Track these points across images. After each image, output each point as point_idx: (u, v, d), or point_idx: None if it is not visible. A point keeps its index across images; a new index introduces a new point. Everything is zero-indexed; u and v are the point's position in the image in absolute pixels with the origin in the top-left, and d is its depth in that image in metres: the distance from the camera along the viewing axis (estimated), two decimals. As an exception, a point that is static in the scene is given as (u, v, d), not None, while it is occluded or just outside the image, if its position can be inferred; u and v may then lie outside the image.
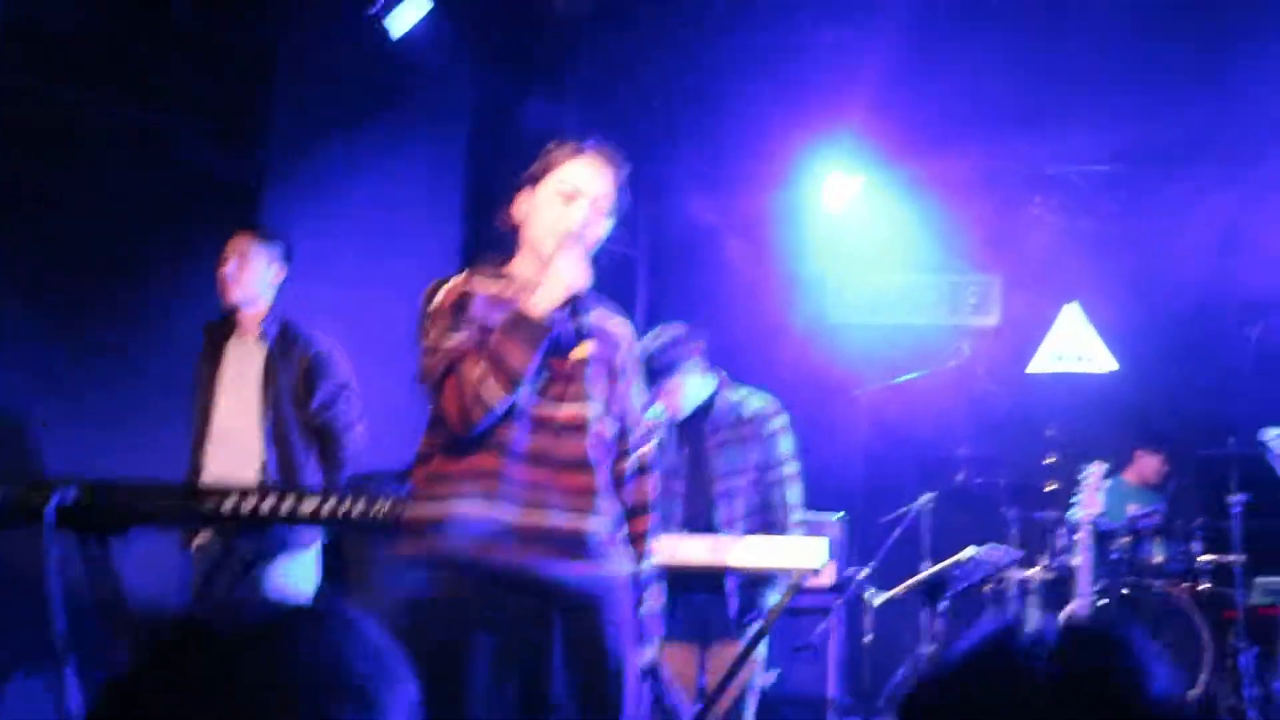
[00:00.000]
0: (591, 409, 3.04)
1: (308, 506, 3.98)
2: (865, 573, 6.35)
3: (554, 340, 2.98)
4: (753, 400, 5.04)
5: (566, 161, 3.09)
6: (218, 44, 6.43)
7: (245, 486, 4.25)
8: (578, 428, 3.02)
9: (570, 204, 3.05)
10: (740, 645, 4.72)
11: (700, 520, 4.76)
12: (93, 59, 6.01)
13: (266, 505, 3.99)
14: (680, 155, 8.31)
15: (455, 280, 3.08)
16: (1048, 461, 7.44)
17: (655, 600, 3.16)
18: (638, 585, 3.11)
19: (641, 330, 8.34)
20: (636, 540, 3.13)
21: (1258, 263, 7.59)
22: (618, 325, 3.19)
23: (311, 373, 5.04)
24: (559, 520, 2.95)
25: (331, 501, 3.99)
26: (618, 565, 3.04)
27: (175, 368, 5.46)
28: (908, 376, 7.36)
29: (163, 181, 6.28)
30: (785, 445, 4.98)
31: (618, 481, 3.12)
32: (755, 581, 4.83)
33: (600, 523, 3.01)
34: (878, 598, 6.27)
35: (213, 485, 4.60)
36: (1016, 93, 7.71)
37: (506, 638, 2.91)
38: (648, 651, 3.15)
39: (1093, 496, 6.41)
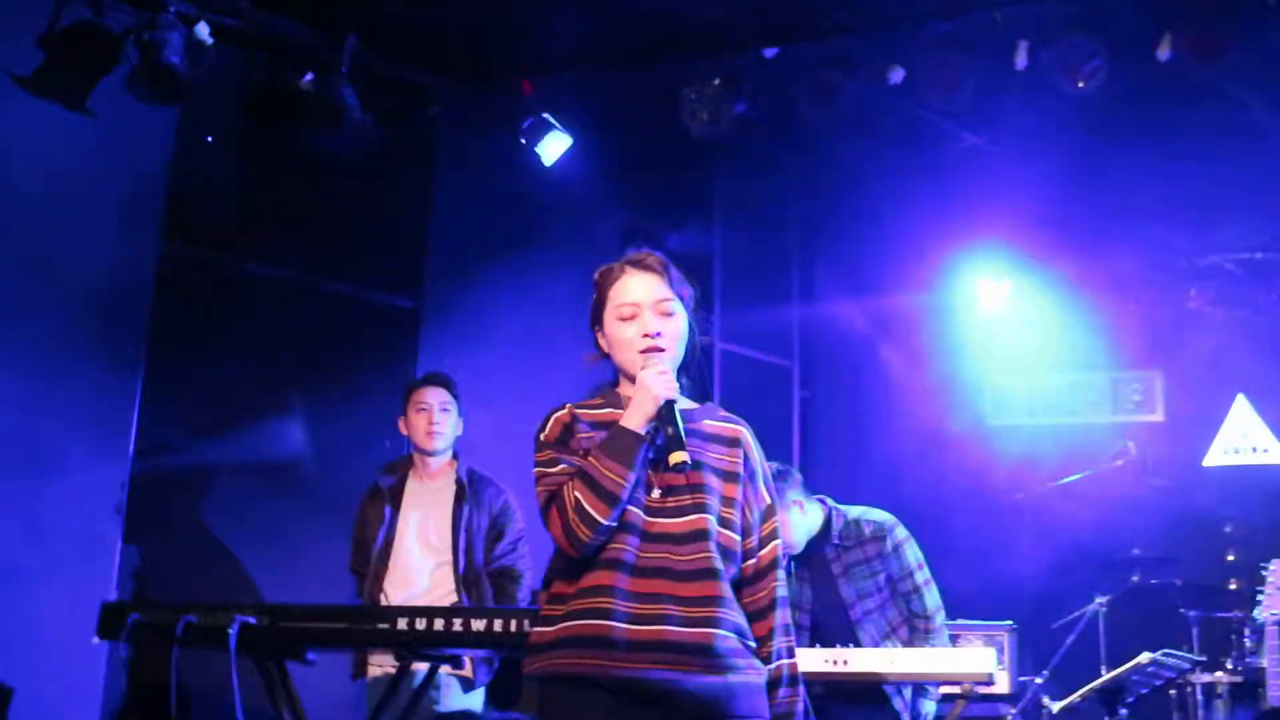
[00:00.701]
0: (708, 518, 3.00)
1: (480, 625, 4.04)
2: (1041, 680, 6.17)
3: (652, 451, 3.00)
4: (870, 517, 5.00)
5: (613, 285, 3.13)
6: (375, 183, 6.72)
7: (419, 607, 4.34)
8: (695, 537, 2.98)
9: (633, 321, 3.08)
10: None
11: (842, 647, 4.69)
12: (254, 219, 6.36)
13: (440, 624, 4.06)
14: (829, 262, 8.36)
15: (560, 411, 3.11)
16: (1228, 559, 7.19)
17: (791, 703, 3.05)
18: (771, 688, 3.02)
19: (796, 440, 8.32)
20: (764, 643, 3.05)
21: None
22: (732, 429, 3.16)
23: (500, 519, 5.27)
24: (678, 631, 2.91)
25: (502, 620, 4.04)
26: (746, 672, 2.98)
27: (345, 495, 5.64)
28: (1073, 477, 7.22)
29: (327, 318, 6.55)
30: (912, 554, 4.95)
31: (741, 584, 3.06)
32: (913, 692, 4.76)
33: (725, 630, 2.96)
34: (1055, 704, 6.08)
35: (388, 606, 4.71)
36: (1165, 185, 7.61)
37: None
38: None
39: (1277, 595, 6.16)
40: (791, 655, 3.09)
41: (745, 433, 3.17)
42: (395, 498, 5.25)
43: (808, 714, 3.07)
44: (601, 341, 3.16)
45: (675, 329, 3.10)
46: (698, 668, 2.91)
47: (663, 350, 3.05)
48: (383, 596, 5.09)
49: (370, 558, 5.16)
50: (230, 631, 3.97)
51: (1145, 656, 5.76)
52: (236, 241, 6.37)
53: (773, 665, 3.05)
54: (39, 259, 5.62)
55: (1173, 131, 7.19)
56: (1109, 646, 6.73)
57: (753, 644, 3.03)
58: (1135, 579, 7.19)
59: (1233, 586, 7.18)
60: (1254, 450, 8.24)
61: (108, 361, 5.77)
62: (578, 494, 2.94)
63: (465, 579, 5.14)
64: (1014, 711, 5.80)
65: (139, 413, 5.82)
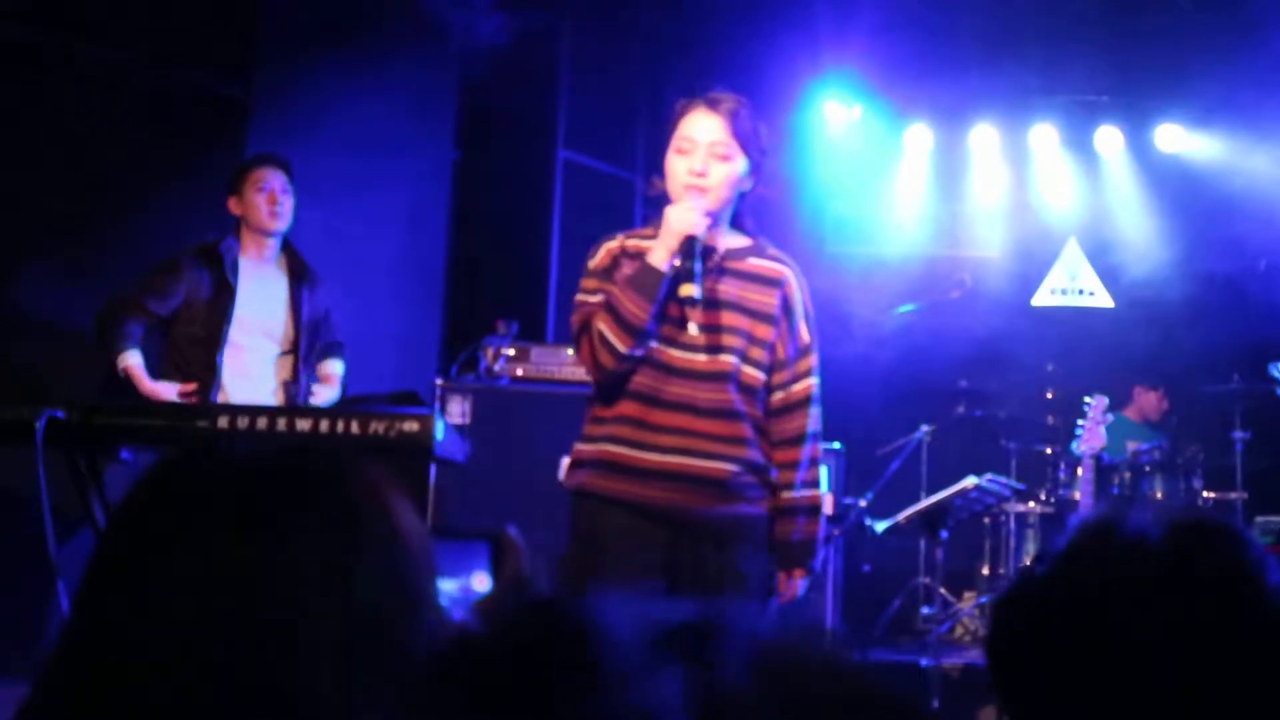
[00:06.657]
0: (732, 360, 3.14)
1: (305, 425, 3.86)
2: (864, 503, 6.27)
3: (670, 285, 3.10)
4: None
5: (682, 117, 3.19)
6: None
7: (240, 405, 4.13)
8: (717, 377, 3.13)
9: (686, 156, 3.14)
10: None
11: None
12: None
13: (262, 424, 3.86)
14: (679, 76, 8.14)
15: (613, 242, 3.22)
16: (1048, 396, 7.36)
17: (809, 532, 3.21)
18: (789, 515, 3.19)
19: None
20: (785, 470, 3.19)
21: (1263, 201, 7.51)
22: (775, 269, 3.25)
23: (330, 312, 5.11)
24: (695, 463, 3.10)
25: (328, 420, 3.87)
26: (759, 504, 3.18)
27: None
28: (908, 308, 7.27)
29: (144, 103, 6.10)
30: None
31: (771, 416, 3.20)
32: None
33: (738, 466, 3.14)
34: (880, 525, 6.20)
35: (207, 405, 4.48)
36: (1019, 20, 7.56)
37: (643, 567, 3.07)
38: (799, 578, 3.24)
39: (1095, 430, 6.32)
40: (814, 487, 3.24)
41: (789, 273, 3.27)
42: (234, 272, 4.87)
43: (826, 543, 3.28)
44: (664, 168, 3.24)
45: (725, 174, 3.15)
46: (707, 500, 3.13)
47: (704, 191, 3.12)
48: (221, 392, 4.80)
49: (198, 323, 4.82)
50: (37, 426, 3.72)
51: (970, 481, 5.88)
52: (41, 15, 5.82)
53: (792, 494, 3.20)
54: None
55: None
56: (930, 474, 6.87)
57: (773, 478, 3.20)
58: (960, 410, 7.33)
59: (1050, 422, 7.37)
60: (1080, 293, 8.41)
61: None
62: (602, 325, 3.10)
63: (307, 363, 4.96)
64: (837, 532, 5.88)
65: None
